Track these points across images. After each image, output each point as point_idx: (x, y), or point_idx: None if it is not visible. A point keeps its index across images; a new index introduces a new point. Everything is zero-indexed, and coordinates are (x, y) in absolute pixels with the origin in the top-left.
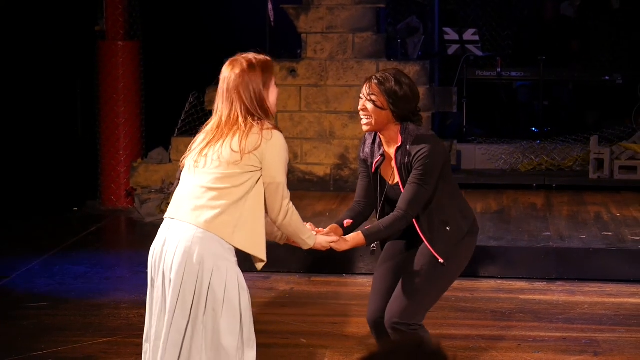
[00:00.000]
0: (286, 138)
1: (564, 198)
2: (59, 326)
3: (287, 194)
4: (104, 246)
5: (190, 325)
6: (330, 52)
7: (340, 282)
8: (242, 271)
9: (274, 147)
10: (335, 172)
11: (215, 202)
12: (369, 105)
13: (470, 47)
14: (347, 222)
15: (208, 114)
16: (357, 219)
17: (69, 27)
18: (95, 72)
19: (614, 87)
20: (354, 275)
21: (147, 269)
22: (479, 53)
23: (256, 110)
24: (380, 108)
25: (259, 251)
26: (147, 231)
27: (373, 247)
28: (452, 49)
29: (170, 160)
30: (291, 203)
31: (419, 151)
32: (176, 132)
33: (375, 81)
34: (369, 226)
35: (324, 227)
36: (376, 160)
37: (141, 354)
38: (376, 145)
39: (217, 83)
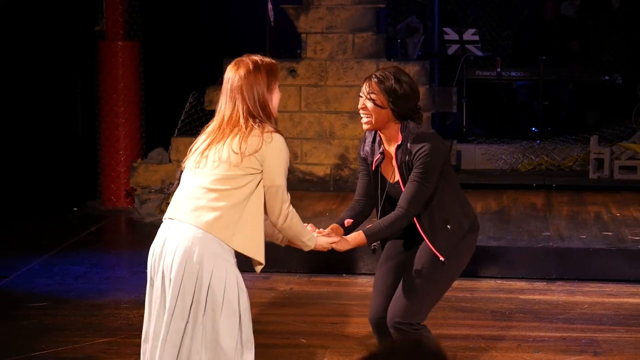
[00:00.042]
0: (286, 138)
1: (564, 198)
2: (59, 326)
3: (287, 197)
4: (104, 246)
5: (190, 326)
6: (330, 52)
7: (340, 282)
8: (242, 271)
9: (274, 150)
10: (335, 172)
11: (215, 203)
12: (369, 104)
13: (470, 47)
14: (347, 221)
15: (208, 114)
16: (357, 218)
17: (69, 27)
18: (95, 72)
19: (614, 87)
20: (354, 275)
21: (147, 269)
22: (479, 53)
23: (258, 113)
24: (380, 107)
25: (258, 254)
26: (147, 231)
27: (374, 245)
28: (452, 49)
29: (170, 161)
30: (291, 206)
31: (419, 149)
32: (176, 132)
33: (375, 80)
34: (370, 225)
35: (324, 228)
36: (376, 158)
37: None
38: (376, 144)
39: (217, 83)
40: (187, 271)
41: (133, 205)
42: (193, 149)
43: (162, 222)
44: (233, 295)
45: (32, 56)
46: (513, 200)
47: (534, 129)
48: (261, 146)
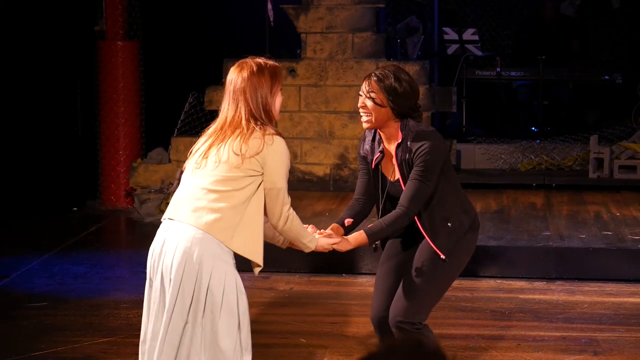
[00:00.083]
0: (285, 138)
1: (564, 197)
2: (58, 326)
3: (288, 199)
4: (104, 246)
5: (189, 326)
6: (330, 52)
7: (339, 282)
8: (242, 272)
9: (275, 153)
10: (335, 172)
11: (215, 205)
12: (369, 103)
13: (469, 46)
14: (347, 221)
15: (208, 114)
16: (357, 218)
17: (69, 27)
18: (95, 72)
19: (614, 87)
20: (354, 275)
21: (146, 269)
22: (479, 53)
23: (260, 115)
24: (380, 105)
25: (257, 256)
26: (147, 231)
27: (376, 244)
28: (452, 49)
29: (169, 161)
30: (292, 209)
31: (419, 147)
32: (176, 132)
33: (375, 78)
34: (371, 225)
35: (324, 227)
36: (376, 157)
37: None
38: (376, 142)
39: (217, 83)
40: (186, 271)
41: (133, 205)
42: (194, 150)
43: (161, 222)
44: (232, 296)
45: (32, 56)
46: (513, 200)
47: (533, 128)
48: (262, 148)
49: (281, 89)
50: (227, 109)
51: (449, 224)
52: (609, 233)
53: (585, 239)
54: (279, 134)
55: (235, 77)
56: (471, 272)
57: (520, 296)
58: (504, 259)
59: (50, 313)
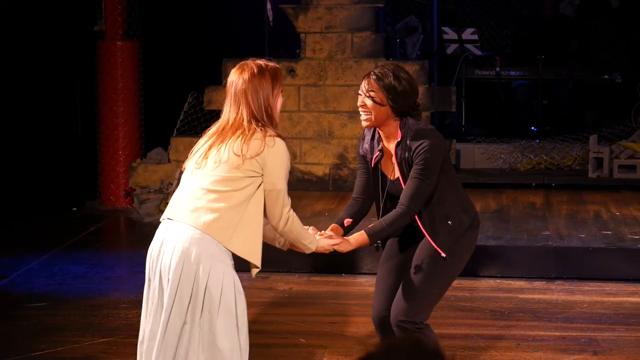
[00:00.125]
0: (285, 138)
1: (563, 197)
2: (58, 326)
3: (288, 201)
4: (104, 246)
5: (187, 326)
6: (329, 52)
7: (339, 282)
8: (240, 272)
9: (275, 154)
10: (334, 171)
11: (214, 205)
12: (368, 102)
13: (469, 46)
14: (347, 221)
15: (207, 114)
16: (356, 217)
17: (68, 27)
18: (94, 72)
19: (613, 86)
20: (354, 275)
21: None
22: (478, 52)
23: (262, 117)
24: (379, 104)
25: (255, 257)
26: (146, 231)
27: (377, 243)
28: (451, 48)
29: (169, 161)
30: (292, 210)
31: (419, 146)
32: (175, 132)
33: (374, 77)
34: (372, 225)
35: (324, 227)
36: (375, 155)
37: None
38: (375, 141)
39: (217, 83)
40: (184, 271)
41: (132, 205)
42: (194, 151)
43: (160, 222)
44: (230, 296)
45: (31, 56)
46: (512, 200)
47: (533, 128)
48: (263, 150)
49: (282, 91)
50: (229, 111)
51: (449, 222)
52: (609, 233)
53: (584, 239)
54: (279, 135)
55: (236, 79)
56: (471, 272)
57: (520, 296)
58: (504, 258)
59: (50, 313)
